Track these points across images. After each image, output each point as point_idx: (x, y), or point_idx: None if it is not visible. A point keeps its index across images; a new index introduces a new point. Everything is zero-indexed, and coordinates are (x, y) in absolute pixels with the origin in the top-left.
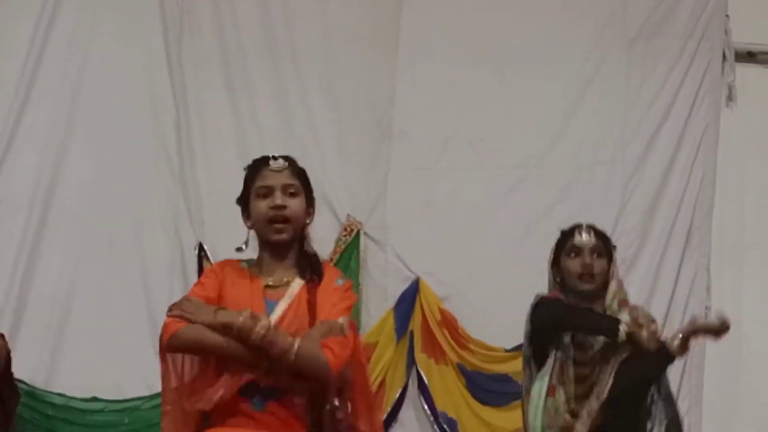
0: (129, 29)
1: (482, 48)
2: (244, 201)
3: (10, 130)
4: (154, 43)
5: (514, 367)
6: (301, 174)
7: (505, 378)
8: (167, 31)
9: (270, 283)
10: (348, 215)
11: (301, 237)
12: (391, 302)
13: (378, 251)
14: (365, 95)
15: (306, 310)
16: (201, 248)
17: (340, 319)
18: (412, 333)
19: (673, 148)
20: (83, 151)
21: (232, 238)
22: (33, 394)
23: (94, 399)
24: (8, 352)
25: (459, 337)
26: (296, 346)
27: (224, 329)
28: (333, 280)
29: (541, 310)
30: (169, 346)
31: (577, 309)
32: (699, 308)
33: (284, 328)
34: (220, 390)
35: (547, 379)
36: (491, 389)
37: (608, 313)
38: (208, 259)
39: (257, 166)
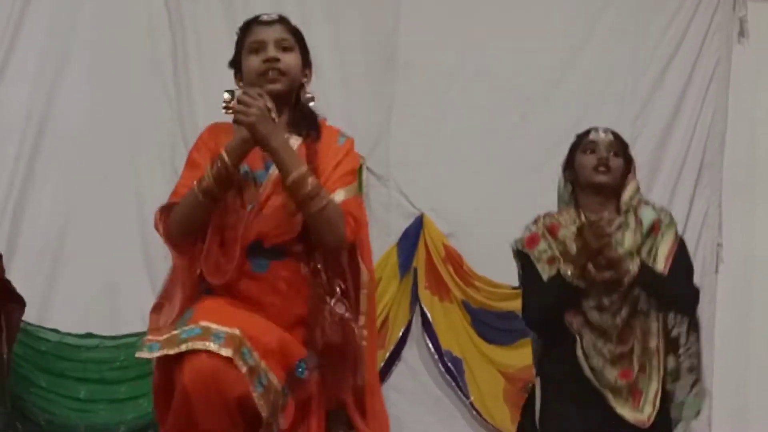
0: None
1: None
2: (236, 63)
3: (1, 59)
4: None
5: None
6: (295, 31)
7: (511, 315)
8: None
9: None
10: None
11: (297, 97)
12: (394, 238)
13: (380, 186)
14: (368, 24)
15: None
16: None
17: (346, 189)
18: (415, 270)
19: (684, 83)
20: (77, 80)
21: None
22: (25, 330)
23: (89, 335)
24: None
25: (464, 274)
26: (326, 202)
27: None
28: (334, 139)
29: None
30: (169, 237)
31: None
32: (710, 245)
33: (282, 187)
34: (233, 261)
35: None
36: (497, 327)
37: (624, 211)
38: None
39: (248, 24)
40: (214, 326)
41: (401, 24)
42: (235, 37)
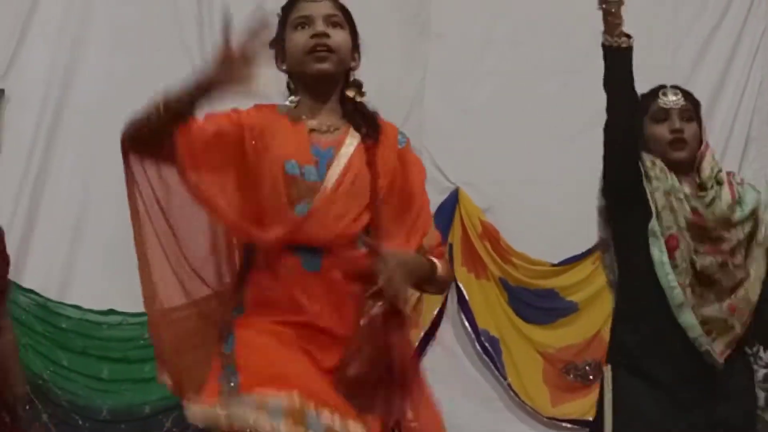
0: None
1: None
2: (278, 43)
3: (21, 25)
4: None
5: (561, 282)
6: (345, 9)
7: (550, 294)
8: None
9: (313, 128)
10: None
11: (345, 82)
12: None
13: None
14: None
15: (367, 173)
16: None
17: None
18: (451, 246)
19: (729, 53)
20: (99, 48)
21: None
22: (45, 306)
23: (111, 312)
24: None
25: (501, 251)
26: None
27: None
28: (395, 140)
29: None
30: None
31: None
32: None
33: (342, 193)
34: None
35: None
36: (536, 305)
37: (709, 187)
38: None
39: (293, 0)
40: (269, 396)
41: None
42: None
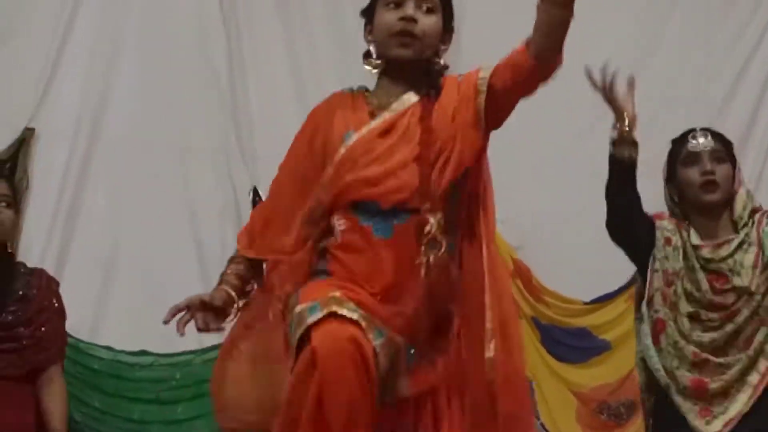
0: None
1: None
2: (369, 13)
3: (53, 59)
4: None
5: (593, 320)
6: None
7: (583, 332)
8: None
9: (375, 105)
10: None
11: (429, 62)
12: None
13: None
14: None
15: (417, 124)
16: (256, 193)
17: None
18: None
19: (761, 87)
20: (129, 83)
21: None
22: (77, 347)
23: (143, 353)
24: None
25: (533, 289)
26: None
27: None
28: (454, 84)
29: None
30: None
31: None
32: None
33: (381, 138)
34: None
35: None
36: (569, 344)
37: (741, 225)
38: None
39: None
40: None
41: (464, 27)
42: (287, 33)
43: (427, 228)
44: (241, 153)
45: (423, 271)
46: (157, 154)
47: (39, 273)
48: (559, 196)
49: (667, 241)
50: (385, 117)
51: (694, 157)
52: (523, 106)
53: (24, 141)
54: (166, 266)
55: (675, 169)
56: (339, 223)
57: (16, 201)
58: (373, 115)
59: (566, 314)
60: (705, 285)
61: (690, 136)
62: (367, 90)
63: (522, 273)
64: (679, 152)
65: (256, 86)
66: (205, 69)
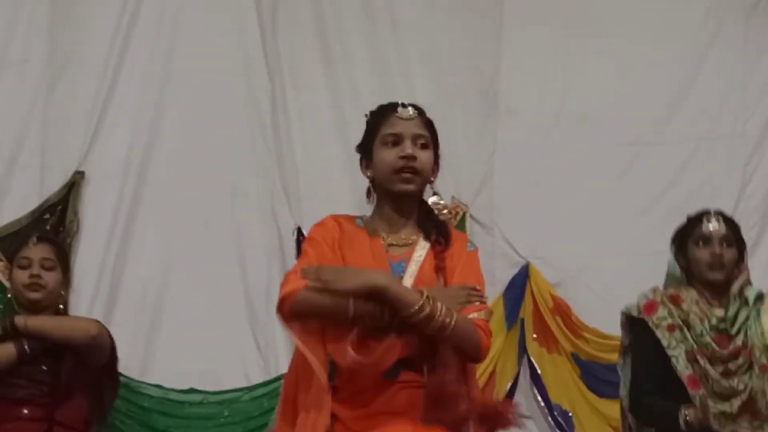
0: None
1: (592, 17)
2: (364, 148)
3: (101, 105)
4: (247, 11)
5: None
6: (430, 125)
7: None
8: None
9: (391, 243)
10: (453, 197)
11: (421, 194)
12: (500, 288)
13: (484, 234)
14: (469, 66)
15: (435, 276)
16: (299, 232)
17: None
18: (522, 320)
19: None
20: (176, 125)
21: None
22: (128, 385)
23: (192, 390)
24: (113, 344)
25: (573, 325)
26: (453, 323)
27: (370, 293)
28: (464, 246)
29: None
30: (291, 313)
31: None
32: None
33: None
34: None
35: None
36: (608, 379)
37: (732, 305)
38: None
39: (384, 112)
40: None
41: (502, 66)
42: (330, 79)
43: None
44: (285, 194)
45: None
46: (203, 197)
47: None
48: (597, 234)
49: (669, 328)
50: (410, 276)
51: (706, 239)
52: (563, 146)
53: (74, 184)
54: (214, 306)
55: (687, 244)
56: None
57: (60, 261)
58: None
59: (605, 350)
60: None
61: (705, 218)
62: (370, 221)
63: (561, 309)
64: (692, 231)
65: (299, 129)
66: (250, 112)
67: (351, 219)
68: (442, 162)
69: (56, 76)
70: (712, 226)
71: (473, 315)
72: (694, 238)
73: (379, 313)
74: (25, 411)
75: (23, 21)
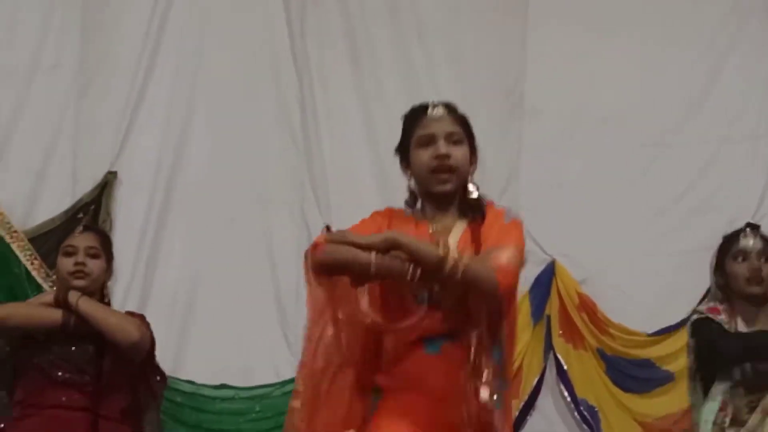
0: (249, 2)
1: (615, 18)
2: (402, 149)
3: (131, 110)
4: (275, 16)
5: (657, 352)
6: (463, 121)
7: (647, 363)
8: (289, 2)
9: (435, 229)
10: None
11: (464, 185)
12: (526, 285)
13: None
14: (494, 67)
15: (472, 249)
16: (328, 231)
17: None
18: (548, 317)
19: None
20: (206, 127)
21: (361, 217)
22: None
23: (224, 386)
24: (153, 340)
25: (598, 322)
26: (463, 262)
27: (390, 246)
28: (499, 217)
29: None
30: (316, 264)
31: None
32: None
33: None
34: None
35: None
36: (633, 375)
37: None
38: None
39: (416, 114)
40: None
41: (527, 69)
42: (358, 81)
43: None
44: (314, 194)
45: None
46: (233, 200)
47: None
48: (620, 232)
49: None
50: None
51: (744, 255)
52: (586, 146)
53: (107, 184)
54: (244, 303)
55: (724, 262)
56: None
57: (104, 249)
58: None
59: (630, 346)
60: None
61: (742, 235)
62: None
63: (587, 306)
64: (730, 248)
65: (327, 130)
66: (279, 114)
67: (400, 210)
68: None
69: (88, 79)
70: (750, 240)
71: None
72: (732, 253)
73: (401, 267)
74: (64, 398)
75: (55, 26)
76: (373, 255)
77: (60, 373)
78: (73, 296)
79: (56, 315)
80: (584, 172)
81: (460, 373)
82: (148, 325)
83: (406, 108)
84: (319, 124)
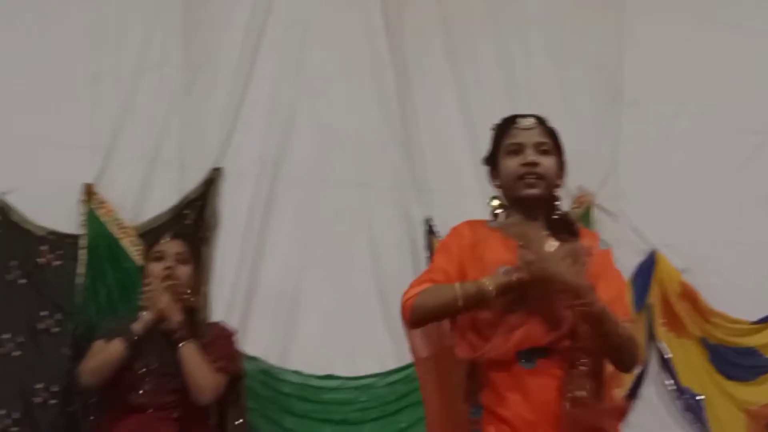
0: None
1: (715, 4)
2: (492, 160)
3: (235, 107)
4: (373, 11)
5: (761, 340)
6: (552, 133)
7: (751, 352)
8: None
9: (524, 241)
10: (579, 186)
11: (551, 199)
12: (627, 275)
13: (611, 223)
14: (592, 57)
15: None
16: (429, 224)
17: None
18: (650, 306)
19: None
20: (307, 124)
21: (461, 209)
22: (269, 372)
23: (330, 376)
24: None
25: (701, 311)
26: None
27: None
28: (595, 245)
29: None
30: (413, 320)
31: None
32: None
33: None
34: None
35: None
36: (737, 363)
37: None
38: (434, 234)
39: (506, 124)
40: None
41: (626, 57)
42: (456, 75)
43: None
44: (415, 188)
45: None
46: (336, 194)
47: (215, 325)
48: (722, 221)
49: None
50: None
51: None
52: (688, 135)
53: (212, 180)
54: (348, 296)
55: None
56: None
57: (192, 256)
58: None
59: (733, 334)
60: None
61: None
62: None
63: (689, 295)
64: None
65: (426, 124)
66: (379, 109)
67: (483, 223)
68: (568, 152)
69: (192, 77)
70: None
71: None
72: None
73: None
74: (150, 401)
75: (160, 27)
76: (457, 286)
77: (144, 398)
78: (182, 335)
79: (118, 347)
80: (687, 160)
81: (557, 386)
82: (233, 356)
83: (504, 100)
84: (419, 118)
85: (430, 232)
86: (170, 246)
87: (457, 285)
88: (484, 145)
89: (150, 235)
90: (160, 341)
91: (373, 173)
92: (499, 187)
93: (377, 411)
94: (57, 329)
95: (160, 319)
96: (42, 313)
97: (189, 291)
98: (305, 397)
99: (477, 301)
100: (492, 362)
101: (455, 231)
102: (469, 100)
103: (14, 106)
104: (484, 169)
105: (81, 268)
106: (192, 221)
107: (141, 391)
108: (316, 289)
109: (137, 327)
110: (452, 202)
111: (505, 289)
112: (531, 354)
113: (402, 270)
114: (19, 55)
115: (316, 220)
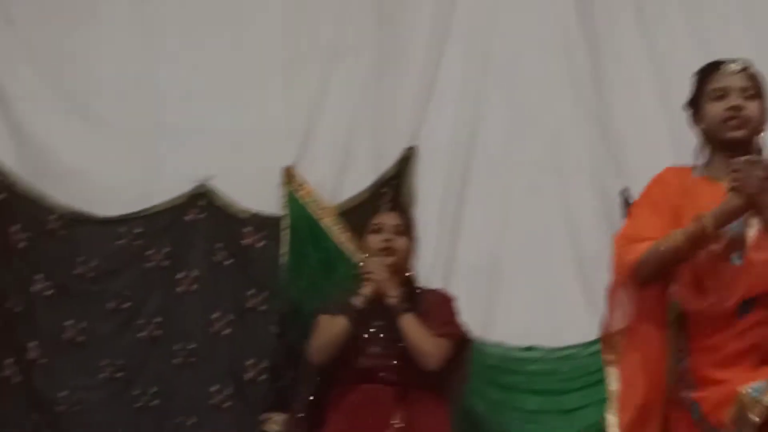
0: None
1: None
2: (694, 104)
3: (427, 87)
4: None
5: None
6: (756, 78)
7: None
8: None
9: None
10: None
11: (755, 145)
12: None
13: None
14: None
15: None
16: (625, 196)
17: None
18: None
19: None
20: (499, 104)
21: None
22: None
23: (531, 348)
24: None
25: None
26: None
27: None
28: None
29: None
30: (636, 273)
31: None
32: None
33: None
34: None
35: None
36: None
37: None
38: (630, 205)
39: (710, 69)
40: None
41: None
42: (649, 49)
43: None
44: (612, 161)
45: None
46: (531, 171)
47: (434, 292)
48: None
49: None
50: (752, 221)
51: None
52: None
53: (408, 159)
54: (547, 271)
55: None
56: None
57: (408, 228)
58: None
59: None
60: None
61: None
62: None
63: None
64: None
65: (621, 100)
66: (572, 89)
67: (688, 171)
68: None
69: (385, 60)
70: None
71: None
72: None
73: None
74: (372, 374)
75: (353, 13)
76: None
77: (369, 361)
78: (398, 308)
79: (342, 323)
80: None
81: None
82: (456, 321)
83: (698, 65)
84: (613, 93)
85: (627, 203)
86: (388, 218)
87: (678, 231)
88: (680, 115)
89: (348, 214)
90: (381, 307)
91: (567, 150)
92: (702, 131)
93: (580, 381)
94: (264, 307)
95: (379, 292)
96: (248, 292)
97: (406, 263)
98: (510, 368)
99: (699, 240)
100: (709, 316)
101: (660, 179)
102: (663, 71)
103: (215, 95)
104: (681, 139)
105: (284, 248)
106: (390, 199)
107: (368, 354)
108: (515, 264)
109: (357, 301)
110: (648, 174)
111: (724, 218)
112: (746, 305)
113: (600, 241)
114: (219, 45)
115: (512, 197)
